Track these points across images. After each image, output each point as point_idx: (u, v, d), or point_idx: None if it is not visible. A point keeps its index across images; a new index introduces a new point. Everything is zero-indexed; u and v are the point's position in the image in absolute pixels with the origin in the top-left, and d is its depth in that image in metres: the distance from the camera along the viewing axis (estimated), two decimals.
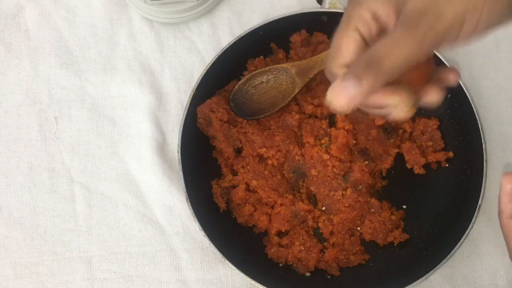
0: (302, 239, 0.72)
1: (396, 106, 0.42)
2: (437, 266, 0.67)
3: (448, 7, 0.39)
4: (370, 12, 0.43)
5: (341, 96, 0.39)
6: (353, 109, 0.40)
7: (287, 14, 0.74)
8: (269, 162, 0.74)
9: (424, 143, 0.75)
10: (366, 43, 0.44)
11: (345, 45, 0.43)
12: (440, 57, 0.72)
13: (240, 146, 0.75)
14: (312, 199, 0.75)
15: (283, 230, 0.73)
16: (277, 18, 0.75)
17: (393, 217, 0.72)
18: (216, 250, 0.68)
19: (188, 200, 0.69)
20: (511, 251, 0.62)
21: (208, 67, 0.73)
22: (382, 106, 0.43)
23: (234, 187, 0.74)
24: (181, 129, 0.72)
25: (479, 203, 0.68)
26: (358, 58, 0.42)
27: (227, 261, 0.68)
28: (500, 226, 0.63)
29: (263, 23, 0.75)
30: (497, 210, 0.63)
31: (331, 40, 0.46)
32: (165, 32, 0.82)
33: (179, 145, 0.71)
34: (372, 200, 0.73)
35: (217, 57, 0.74)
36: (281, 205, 0.73)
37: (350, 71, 0.39)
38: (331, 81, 0.44)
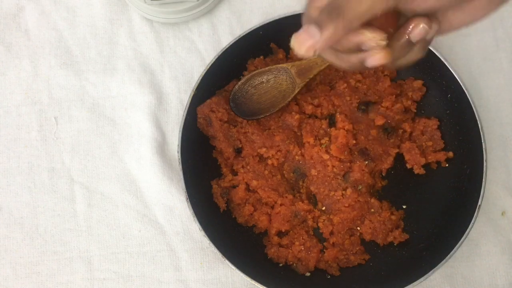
0: (302, 239, 0.72)
1: (370, 45, 0.42)
2: (437, 266, 0.67)
3: None
4: None
5: (304, 42, 0.42)
6: (316, 54, 0.42)
7: (287, 14, 0.74)
8: (269, 162, 0.74)
9: (424, 143, 0.75)
10: None
11: None
12: (439, 56, 0.72)
13: (240, 146, 0.75)
14: (312, 199, 0.75)
15: (283, 230, 0.73)
16: (277, 18, 0.75)
17: (393, 217, 0.72)
18: (216, 250, 0.68)
19: (188, 200, 0.69)
20: None
21: (208, 67, 0.73)
22: (356, 44, 0.43)
23: (234, 187, 0.74)
24: (181, 129, 0.72)
25: (479, 203, 0.68)
26: (326, 4, 0.43)
27: (227, 261, 0.68)
28: None
29: (263, 23, 0.75)
30: None
31: None
32: (165, 32, 0.82)
33: (179, 145, 0.71)
34: (372, 200, 0.73)
35: (217, 57, 0.74)
36: (281, 205, 0.73)
37: (314, 20, 0.41)
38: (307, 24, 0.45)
